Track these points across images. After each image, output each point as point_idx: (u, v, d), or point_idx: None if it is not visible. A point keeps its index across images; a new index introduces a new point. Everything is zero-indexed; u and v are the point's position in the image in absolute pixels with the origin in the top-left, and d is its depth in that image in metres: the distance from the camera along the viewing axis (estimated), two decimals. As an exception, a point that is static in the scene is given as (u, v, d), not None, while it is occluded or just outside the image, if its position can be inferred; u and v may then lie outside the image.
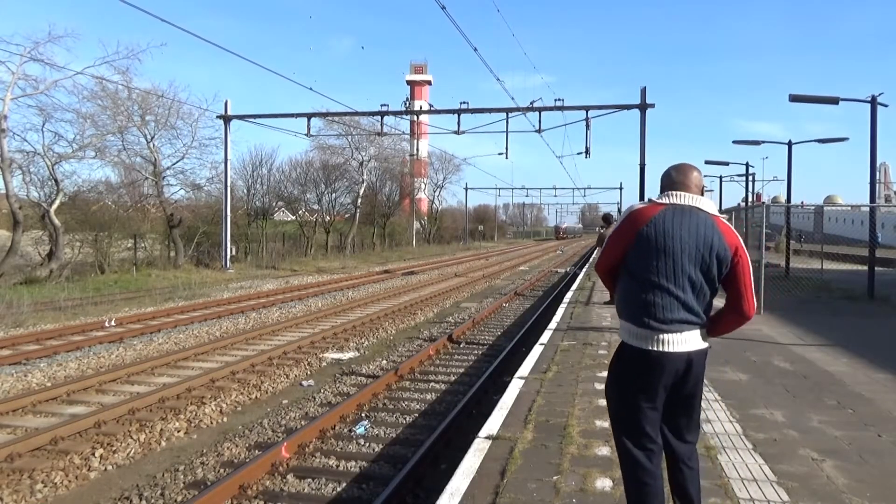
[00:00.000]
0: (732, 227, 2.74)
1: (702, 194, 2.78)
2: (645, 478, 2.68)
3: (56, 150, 23.72)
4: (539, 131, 25.78)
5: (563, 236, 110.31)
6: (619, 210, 51.70)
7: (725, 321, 2.79)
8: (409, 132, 44.12)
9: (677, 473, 2.80)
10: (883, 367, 7.24)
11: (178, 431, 6.82)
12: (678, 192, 2.72)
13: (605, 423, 4.80)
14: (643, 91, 24.70)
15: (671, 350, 2.61)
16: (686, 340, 2.62)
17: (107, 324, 12.92)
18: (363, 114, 28.44)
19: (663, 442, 2.78)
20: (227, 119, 28.41)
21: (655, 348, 2.61)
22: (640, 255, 2.67)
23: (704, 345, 2.71)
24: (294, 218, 45.39)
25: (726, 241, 2.64)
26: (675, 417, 2.77)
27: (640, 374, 2.66)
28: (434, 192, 68.45)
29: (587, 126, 25.14)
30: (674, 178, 2.78)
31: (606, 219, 14.00)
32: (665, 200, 2.72)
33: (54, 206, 22.69)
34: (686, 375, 2.66)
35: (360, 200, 43.85)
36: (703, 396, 2.81)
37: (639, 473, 2.69)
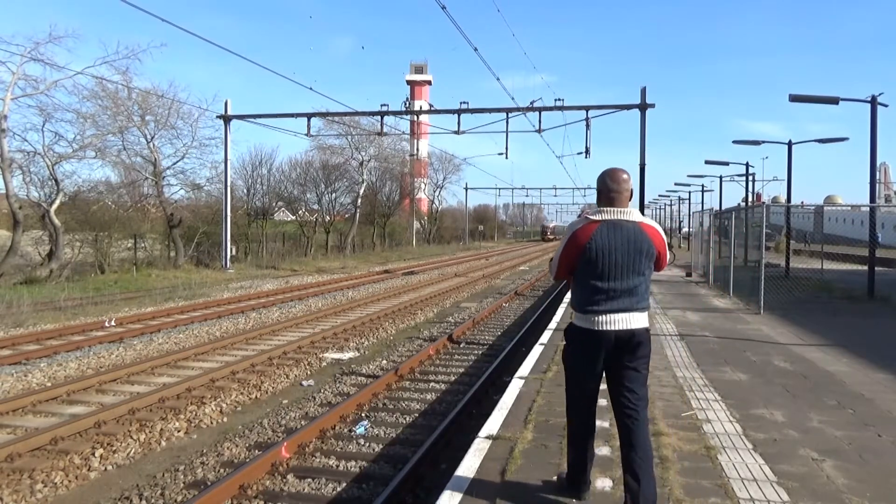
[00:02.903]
0: (655, 227, 3.34)
1: (631, 196, 3.35)
2: (581, 422, 3.48)
3: (56, 150, 23.75)
4: (539, 131, 25.78)
5: (550, 237, 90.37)
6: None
7: None
8: (409, 132, 44.10)
9: (623, 427, 3.33)
10: (883, 367, 7.24)
11: (178, 431, 6.82)
12: (610, 209, 3.29)
13: (605, 424, 4.80)
14: (643, 91, 24.70)
15: (606, 328, 3.26)
16: (616, 321, 3.25)
17: (107, 324, 12.92)
18: (363, 114, 28.45)
19: (614, 403, 3.39)
20: (227, 119, 28.40)
21: (595, 328, 3.28)
22: (585, 265, 3.27)
23: (640, 325, 3.30)
24: (294, 218, 45.38)
25: (654, 242, 3.28)
26: (622, 383, 3.33)
27: (585, 347, 3.35)
28: (434, 192, 68.45)
29: (587, 126, 25.15)
30: (611, 188, 3.32)
31: None
32: (599, 217, 3.28)
33: (54, 206, 22.69)
34: (624, 347, 3.27)
35: (360, 200, 43.83)
36: (651, 372, 3.58)
37: (578, 419, 3.49)
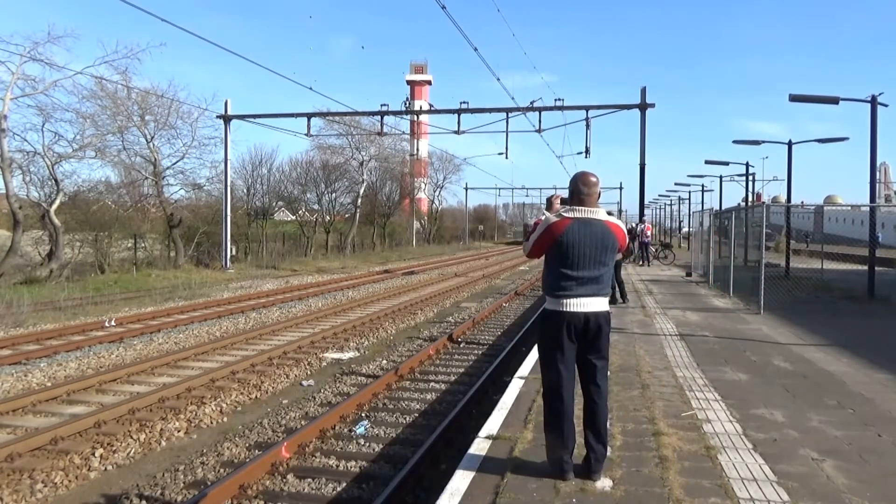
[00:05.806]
0: (619, 224, 3.84)
1: (598, 197, 3.83)
2: (558, 401, 3.79)
3: (56, 150, 23.76)
4: (539, 131, 25.78)
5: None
6: (619, 210, 51.81)
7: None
8: (409, 132, 44.09)
9: (588, 406, 3.83)
10: (883, 367, 7.24)
11: (178, 431, 6.82)
12: (581, 208, 3.74)
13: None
14: (643, 91, 24.72)
15: (572, 311, 3.72)
16: (583, 304, 3.72)
17: (107, 324, 12.92)
18: (363, 114, 28.47)
19: (581, 383, 3.83)
20: (226, 119, 28.41)
21: (563, 310, 3.73)
22: (557, 255, 3.75)
23: (602, 308, 3.77)
24: (294, 218, 45.38)
25: (617, 238, 3.77)
26: (587, 362, 3.81)
27: (555, 328, 3.76)
28: (434, 192, 68.44)
29: (587, 126, 25.17)
30: (582, 190, 3.77)
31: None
32: (571, 215, 3.74)
33: (54, 206, 22.69)
34: (587, 327, 3.73)
35: (360, 200, 43.85)
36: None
37: (555, 399, 3.80)
